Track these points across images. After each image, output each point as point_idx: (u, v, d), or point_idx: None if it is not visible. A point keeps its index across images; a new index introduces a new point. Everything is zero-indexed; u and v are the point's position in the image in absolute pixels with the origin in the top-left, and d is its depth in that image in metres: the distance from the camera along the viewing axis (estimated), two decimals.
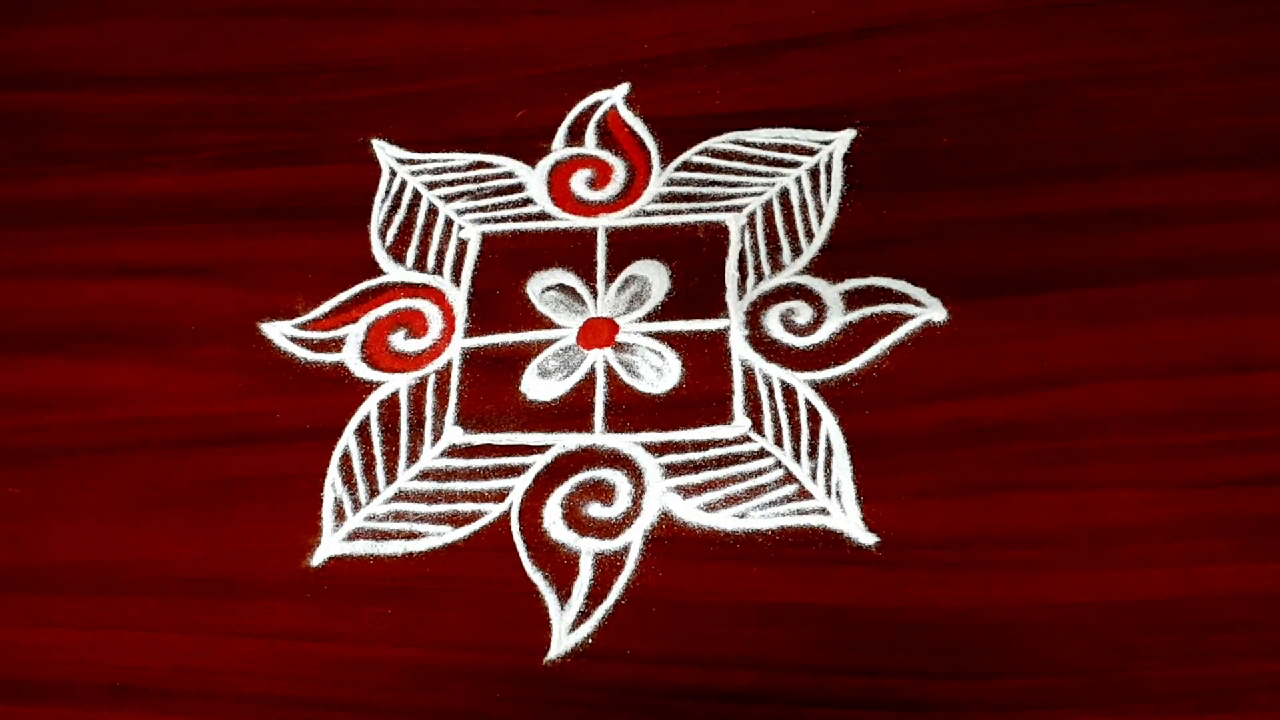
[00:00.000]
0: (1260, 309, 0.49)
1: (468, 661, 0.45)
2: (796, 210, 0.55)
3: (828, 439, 0.48)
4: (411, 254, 0.56)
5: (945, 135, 0.55)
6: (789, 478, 0.48)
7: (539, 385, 0.51)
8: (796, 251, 0.53)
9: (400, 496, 0.49)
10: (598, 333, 0.53)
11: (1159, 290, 0.50)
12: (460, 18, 0.63)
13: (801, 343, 0.51)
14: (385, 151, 0.59)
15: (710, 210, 0.55)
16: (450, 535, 0.48)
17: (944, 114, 0.56)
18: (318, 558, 0.48)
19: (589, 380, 0.51)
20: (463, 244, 0.56)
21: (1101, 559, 0.44)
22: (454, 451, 0.50)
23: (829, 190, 0.55)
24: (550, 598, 0.46)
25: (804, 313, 0.52)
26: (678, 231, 0.55)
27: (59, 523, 0.50)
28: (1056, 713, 0.42)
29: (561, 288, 0.54)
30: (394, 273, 0.56)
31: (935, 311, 0.51)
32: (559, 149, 0.58)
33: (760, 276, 0.53)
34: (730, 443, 0.49)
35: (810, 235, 0.54)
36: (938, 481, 0.47)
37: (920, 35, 0.59)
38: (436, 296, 0.55)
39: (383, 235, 0.57)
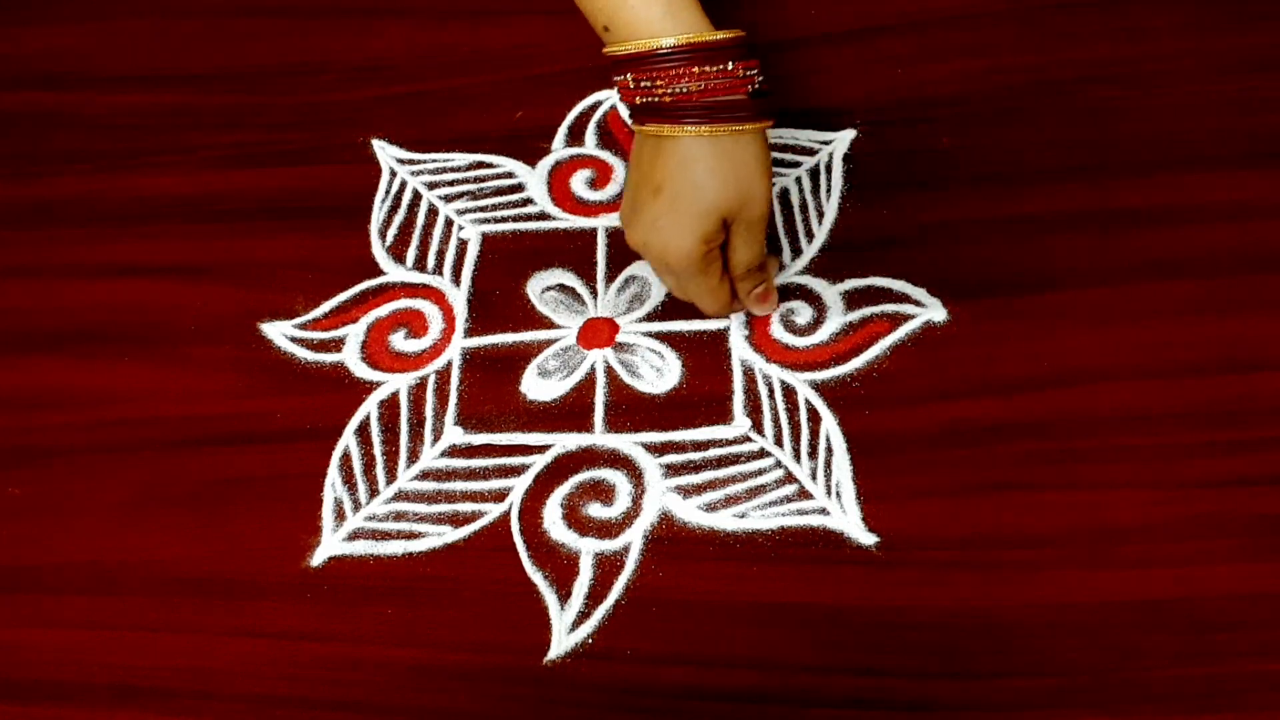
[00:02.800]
0: (1260, 309, 0.49)
1: (468, 661, 0.45)
2: (796, 210, 0.55)
3: (828, 439, 0.48)
4: (411, 254, 0.56)
5: (945, 135, 0.55)
6: (789, 478, 0.48)
7: (539, 385, 0.52)
8: (796, 252, 0.54)
9: (400, 496, 0.49)
10: (598, 333, 0.53)
11: (1158, 290, 0.50)
12: (460, 19, 0.63)
13: (801, 343, 0.51)
14: (385, 151, 0.59)
15: None
16: (450, 535, 0.48)
17: (944, 114, 0.56)
18: (318, 558, 0.48)
19: (589, 380, 0.51)
20: (463, 244, 0.56)
21: (1101, 559, 0.44)
22: (454, 451, 0.50)
23: (829, 190, 0.55)
24: (550, 598, 0.46)
25: (804, 313, 0.52)
26: None
27: (60, 523, 0.50)
28: (1057, 712, 0.42)
29: (561, 288, 0.54)
30: (394, 273, 0.56)
31: (935, 311, 0.51)
32: (559, 149, 0.58)
33: None
34: (730, 443, 0.49)
35: (810, 235, 0.54)
36: (937, 481, 0.47)
37: (920, 35, 0.59)
38: (436, 296, 0.55)
39: (383, 235, 0.57)
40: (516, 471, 0.49)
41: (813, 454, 0.48)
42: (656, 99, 0.45)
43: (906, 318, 0.51)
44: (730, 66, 0.44)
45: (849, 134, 0.56)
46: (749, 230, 0.47)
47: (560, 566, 0.47)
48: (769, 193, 0.46)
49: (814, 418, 0.49)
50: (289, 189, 0.58)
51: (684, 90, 0.44)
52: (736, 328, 0.52)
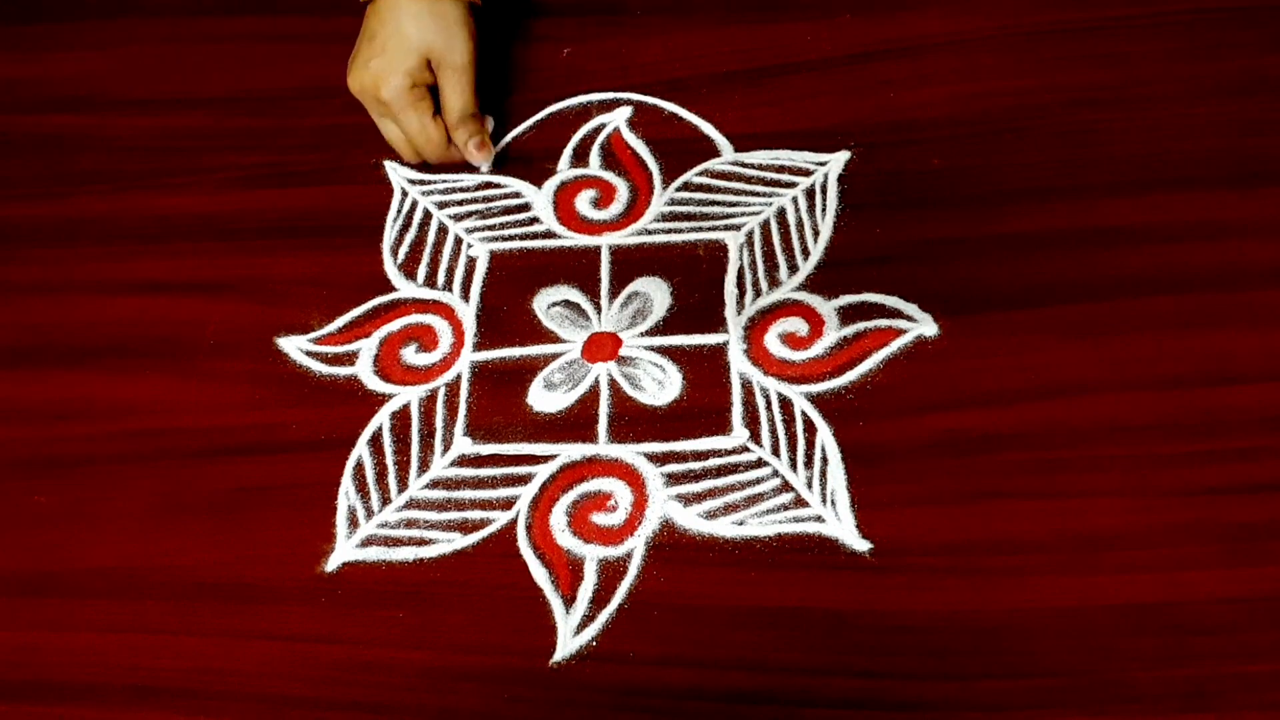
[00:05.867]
0: (1236, 324, 0.50)
1: (476, 664, 0.46)
2: (793, 229, 0.56)
3: (823, 449, 0.49)
4: (422, 271, 0.58)
5: (936, 157, 0.57)
6: (785, 486, 0.49)
7: (545, 397, 0.53)
8: (793, 269, 0.55)
9: (411, 504, 0.51)
10: (601, 347, 0.54)
11: (1140, 306, 0.51)
12: None
13: (798, 356, 0.52)
14: (397, 172, 0.61)
15: (710, 229, 0.57)
16: (459, 542, 0.49)
17: (935, 136, 0.57)
18: (332, 563, 0.49)
19: (593, 393, 0.53)
20: (471, 261, 0.57)
21: (1086, 564, 0.45)
22: (463, 461, 0.52)
23: (824, 210, 0.56)
24: (556, 602, 0.47)
25: (800, 328, 0.53)
26: (679, 249, 0.56)
27: (83, 529, 0.51)
28: (1043, 712, 0.43)
29: (567, 303, 0.56)
30: (405, 289, 0.57)
31: (926, 326, 0.52)
32: (564, 170, 0.60)
33: (758, 293, 0.54)
34: (729, 453, 0.50)
35: (806, 253, 0.55)
36: (928, 490, 0.48)
37: (912, 60, 0.60)
38: (446, 312, 0.56)
39: (394, 253, 0.58)
40: (523, 480, 0.50)
41: (809, 463, 0.49)
42: None
43: (899, 332, 0.52)
44: None
45: (843, 155, 0.58)
46: (455, 76, 0.57)
47: (565, 572, 0.48)
48: (469, 46, 0.57)
49: (810, 429, 0.50)
50: (304, 209, 0.60)
51: None
52: (735, 342, 0.53)
